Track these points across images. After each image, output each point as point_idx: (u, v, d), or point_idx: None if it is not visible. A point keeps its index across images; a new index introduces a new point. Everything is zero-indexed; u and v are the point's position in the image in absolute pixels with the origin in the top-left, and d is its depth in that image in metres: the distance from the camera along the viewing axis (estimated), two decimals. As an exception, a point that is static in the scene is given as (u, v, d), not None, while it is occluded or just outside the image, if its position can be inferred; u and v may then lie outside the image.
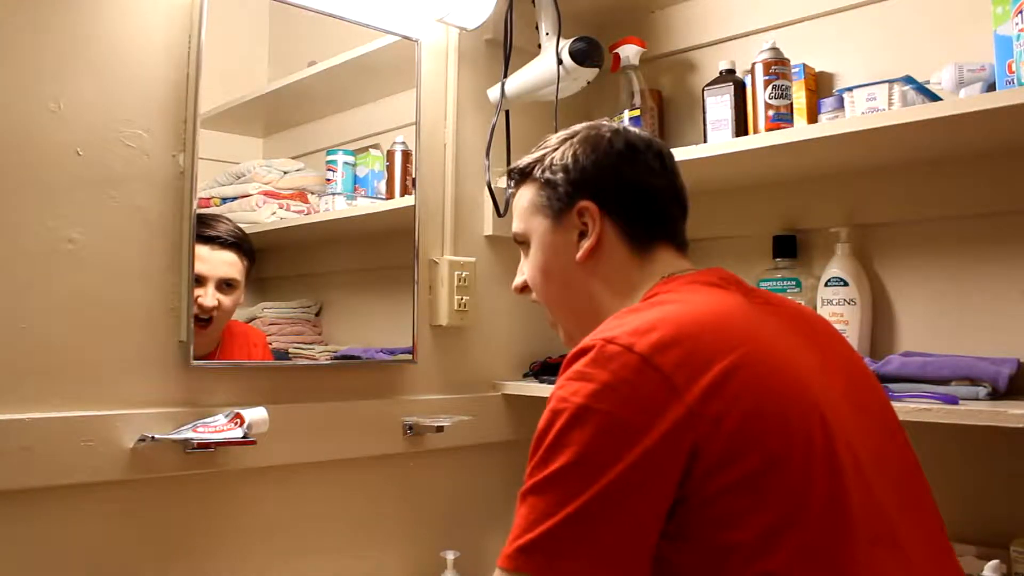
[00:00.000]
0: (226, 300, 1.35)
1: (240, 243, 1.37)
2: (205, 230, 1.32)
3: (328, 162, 1.53)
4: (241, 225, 1.40)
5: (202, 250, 1.31)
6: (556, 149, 0.97)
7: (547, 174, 0.96)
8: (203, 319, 1.31)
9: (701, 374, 0.72)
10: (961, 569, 0.86)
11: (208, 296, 1.32)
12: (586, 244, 0.93)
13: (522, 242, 1.02)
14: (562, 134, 0.99)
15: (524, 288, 1.03)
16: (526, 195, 1.00)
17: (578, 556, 0.70)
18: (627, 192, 0.94)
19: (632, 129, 0.98)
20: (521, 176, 1.01)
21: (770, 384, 0.75)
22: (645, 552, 0.72)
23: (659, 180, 0.95)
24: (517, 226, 1.02)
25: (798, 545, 0.70)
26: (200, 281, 1.31)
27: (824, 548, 0.71)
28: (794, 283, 1.50)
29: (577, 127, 0.99)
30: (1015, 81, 1.14)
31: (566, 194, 0.95)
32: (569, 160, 0.95)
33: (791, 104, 1.45)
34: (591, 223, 0.93)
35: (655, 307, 0.83)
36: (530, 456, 0.75)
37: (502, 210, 1.67)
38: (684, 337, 0.75)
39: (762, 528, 0.70)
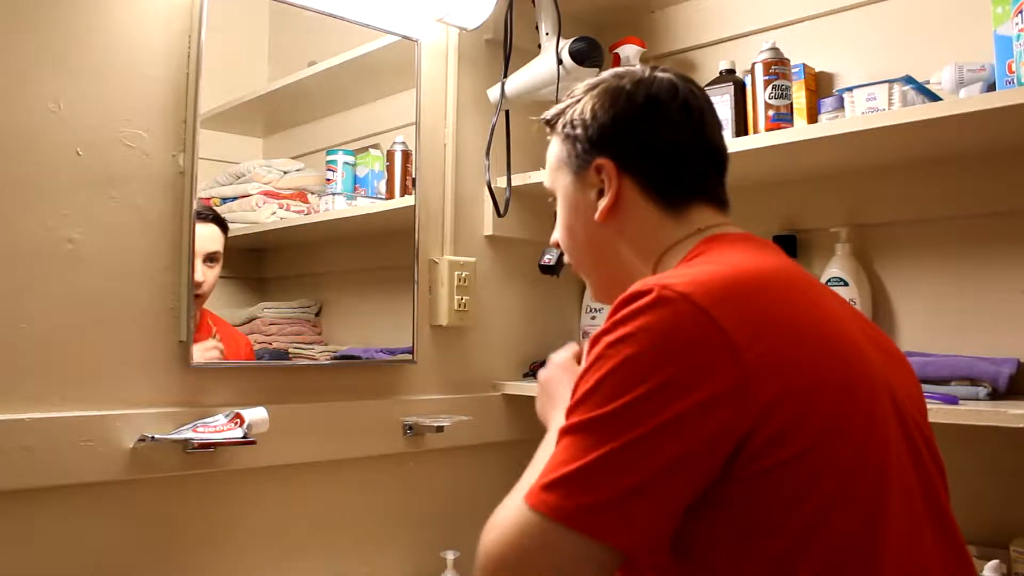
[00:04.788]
0: (211, 273, 1.36)
1: (217, 216, 1.39)
2: None
3: (328, 162, 1.53)
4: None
5: None
6: (579, 101, 0.92)
7: (567, 129, 0.92)
8: (196, 295, 1.32)
9: (760, 334, 0.69)
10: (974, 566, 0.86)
11: (197, 271, 1.32)
12: (603, 204, 0.88)
13: (552, 197, 0.98)
14: (588, 83, 0.93)
15: (559, 244, 0.99)
16: (553, 148, 0.95)
17: (597, 496, 0.66)
18: (647, 149, 0.88)
19: (662, 76, 0.90)
20: (549, 127, 0.97)
21: (833, 353, 0.73)
22: (671, 507, 0.69)
23: (684, 136, 0.88)
24: (545, 179, 0.98)
25: (835, 540, 0.69)
26: None
27: (860, 547, 0.69)
28: (794, 283, 1.50)
29: (604, 75, 0.93)
30: (1015, 81, 1.14)
31: (584, 151, 0.90)
32: (588, 115, 0.90)
33: (791, 104, 1.45)
34: (608, 181, 0.88)
35: (710, 263, 0.79)
36: (572, 394, 0.72)
37: (502, 210, 1.67)
38: (744, 295, 0.71)
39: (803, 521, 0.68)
